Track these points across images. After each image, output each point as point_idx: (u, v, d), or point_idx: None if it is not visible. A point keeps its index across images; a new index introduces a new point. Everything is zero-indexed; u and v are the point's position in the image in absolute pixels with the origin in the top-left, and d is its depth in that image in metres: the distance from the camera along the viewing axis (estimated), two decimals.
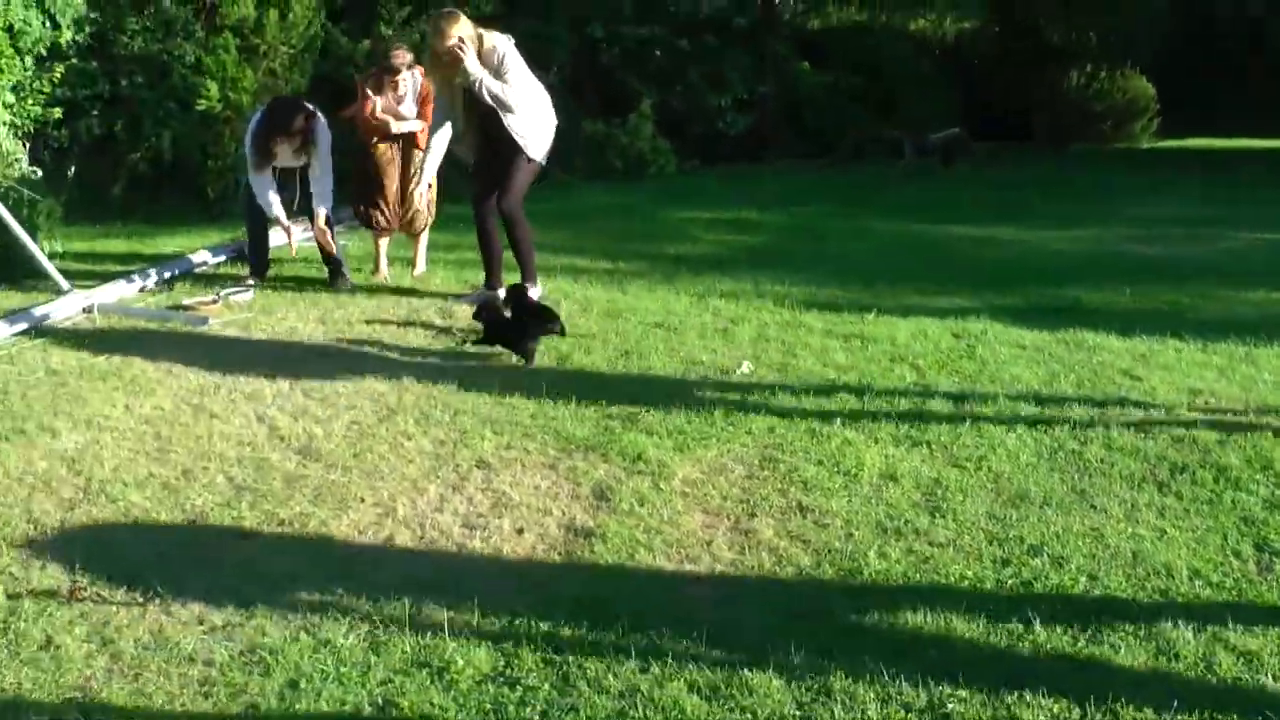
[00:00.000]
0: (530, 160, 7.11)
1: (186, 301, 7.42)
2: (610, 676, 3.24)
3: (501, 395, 5.64)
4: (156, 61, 12.48)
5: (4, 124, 9.91)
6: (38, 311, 6.87)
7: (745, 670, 3.26)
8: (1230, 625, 3.53)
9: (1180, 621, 3.54)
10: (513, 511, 4.36)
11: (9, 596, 3.70)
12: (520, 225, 7.29)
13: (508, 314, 6.42)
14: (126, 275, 7.91)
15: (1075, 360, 6.25)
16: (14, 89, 10.44)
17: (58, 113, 11.11)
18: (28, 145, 10.89)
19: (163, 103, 12.31)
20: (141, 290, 7.77)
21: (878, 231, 10.93)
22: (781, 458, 4.87)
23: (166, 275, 8.14)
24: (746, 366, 6.16)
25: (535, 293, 7.28)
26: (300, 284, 7.90)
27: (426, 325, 6.89)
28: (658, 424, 5.25)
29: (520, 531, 4.20)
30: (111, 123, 12.42)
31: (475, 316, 6.46)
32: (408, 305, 7.36)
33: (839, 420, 5.30)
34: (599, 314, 7.24)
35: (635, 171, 14.63)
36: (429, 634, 3.46)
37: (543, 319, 6.39)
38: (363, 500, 4.44)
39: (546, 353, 6.31)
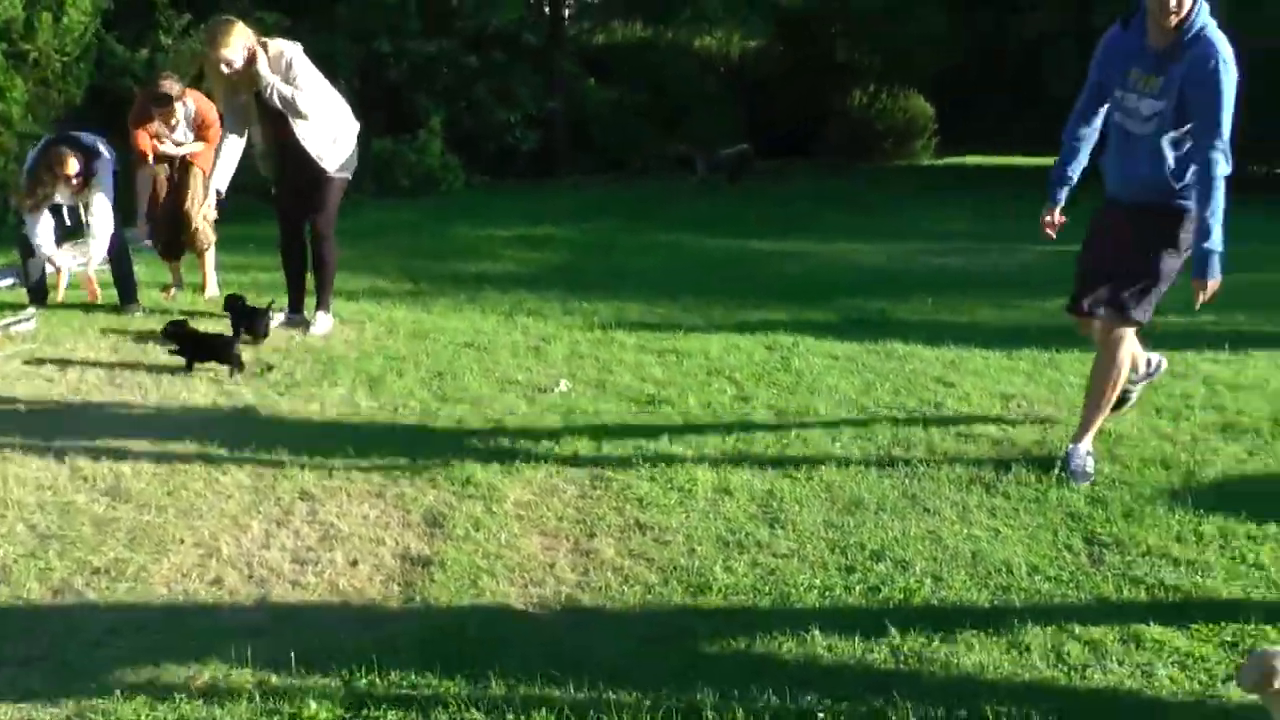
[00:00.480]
0: (334, 175, 6.93)
1: None
2: (472, 711, 3.13)
3: (315, 423, 5.45)
4: None
5: None
6: None
7: (610, 694, 3.20)
8: (1073, 616, 3.65)
9: (1026, 616, 3.65)
10: (344, 543, 4.19)
11: None
12: (330, 246, 7.11)
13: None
14: None
15: (888, 369, 6.42)
16: None
17: None
18: None
19: None
20: None
21: (676, 247, 11.07)
22: (612, 476, 4.83)
23: None
24: (564, 385, 6.12)
25: (327, 320, 7.08)
26: (87, 310, 7.50)
27: None
28: (482, 446, 5.16)
29: (354, 564, 4.04)
30: None
31: (163, 342, 6.34)
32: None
33: (665, 435, 5.30)
34: (406, 335, 7.10)
35: (424, 189, 14.43)
36: (273, 681, 3.28)
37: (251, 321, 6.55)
38: (182, 541, 4.20)
39: (359, 376, 6.14)
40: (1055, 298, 8.34)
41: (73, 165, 7.11)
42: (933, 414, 5.66)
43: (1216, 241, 4.48)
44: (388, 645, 3.45)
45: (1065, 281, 5.29)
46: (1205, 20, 4.47)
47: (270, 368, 6.31)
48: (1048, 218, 5.22)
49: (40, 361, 6.37)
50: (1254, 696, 2.72)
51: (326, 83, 6.93)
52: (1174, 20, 4.44)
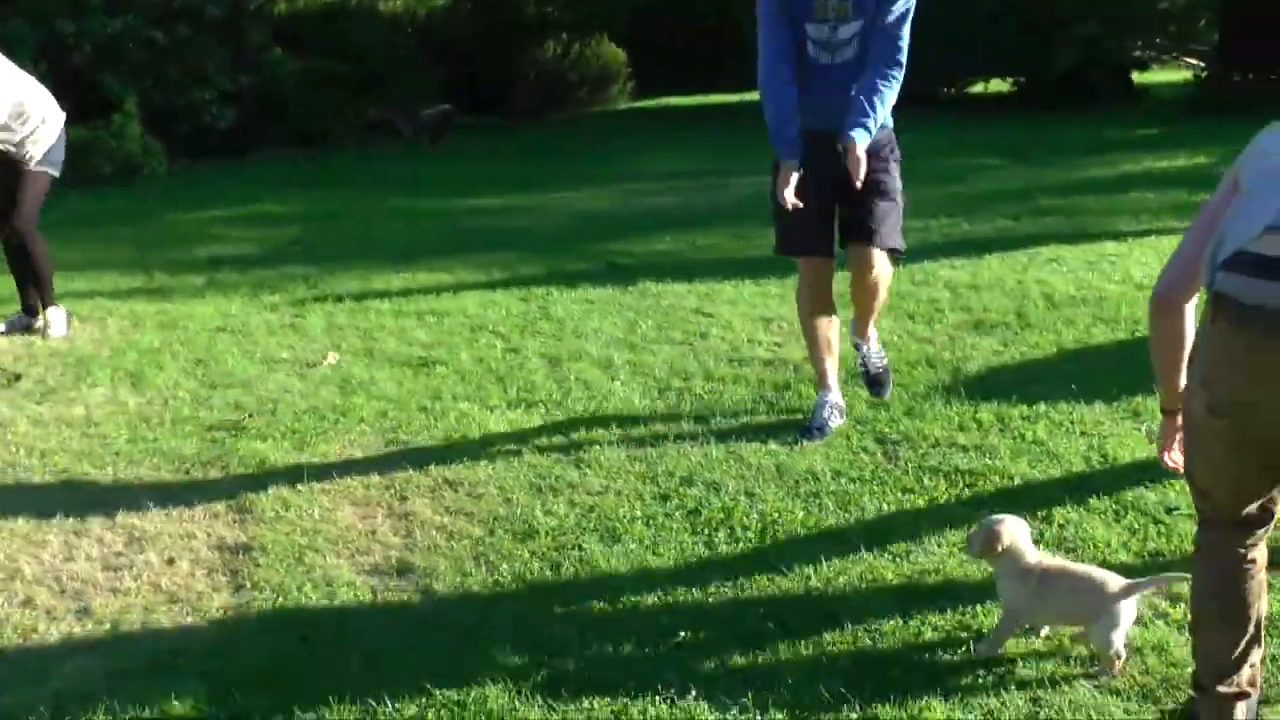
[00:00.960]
0: (33, 169, 6.60)
1: None
2: (341, 703, 3.14)
3: (85, 425, 5.28)
4: None
5: None
6: None
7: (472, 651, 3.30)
8: (884, 508, 3.99)
9: (840, 515, 3.96)
10: (154, 543, 4.11)
11: None
12: (36, 243, 6.78)
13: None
14: None
15: (645, 307, 6.66)
16: None
17: None
18: None
19: None
20: None
21: (402, 211, 10.96)
22: (406, 438, 4.90)
23: None
24: (333, 357, 6.09)
25: (59, 315, 6.80)
26: None
27: None
28: (266, 427, 5.11)
29: (171, 561, 3.98)
30: None
31: None
32: None
33: (447, 394, 5.38)
34: (154, 327, 6.88)
35: (126, 175, 13.76)
36: (128, 688, 3.22)
37: None
38: None
39: (117, 373, 5.95)
40: None
41: None
42: (701, 343, 5.93)
43: (876, 121, 4.38)
44: (230, 645, 3.42)
45: None
46: None
47: (18, 377, 6.02)
48: (787, 191, 4.42)
49: None
50: (985, 561, 3.17)
51: (16, 69, 6.61)
52: None
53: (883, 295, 4.77)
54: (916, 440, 4.60)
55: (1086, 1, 15.72)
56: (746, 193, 10.40)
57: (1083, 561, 3.44)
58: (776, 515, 4.02)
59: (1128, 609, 2.96)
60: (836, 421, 4.77)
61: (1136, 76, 18.64)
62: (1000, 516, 3.13)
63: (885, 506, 4.07)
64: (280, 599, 3.65)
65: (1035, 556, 3.09)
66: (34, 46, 13.59)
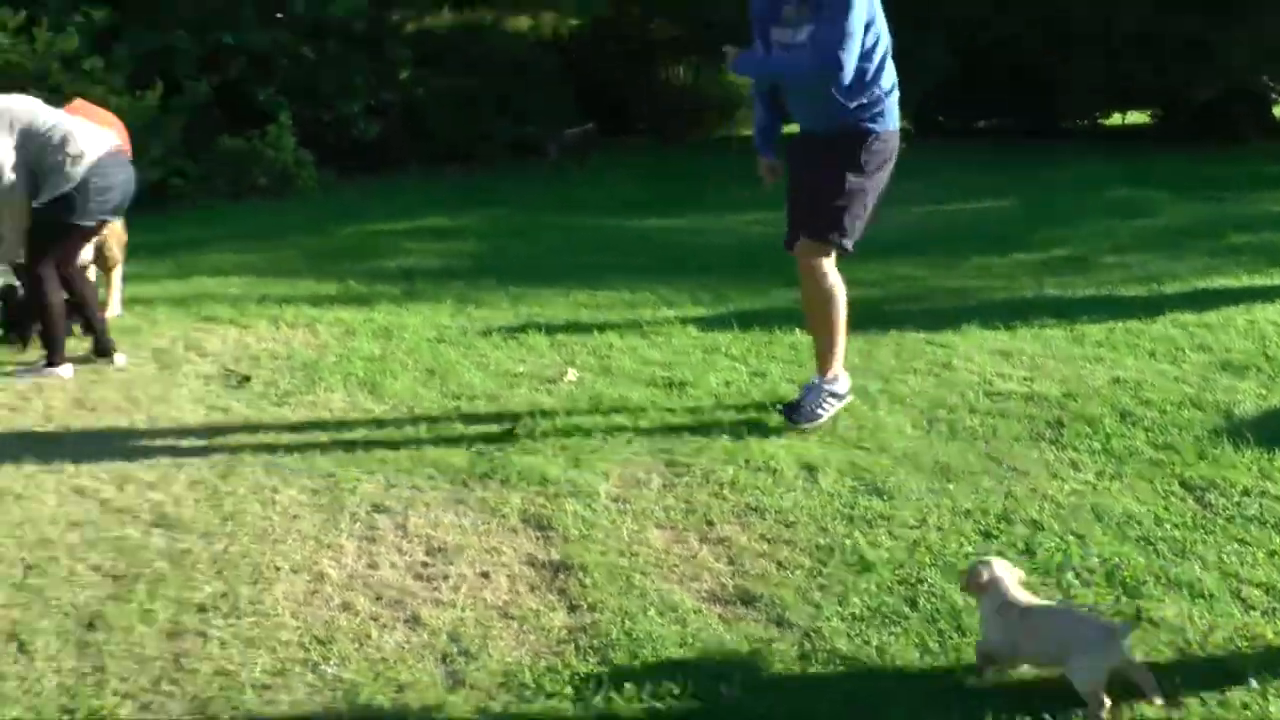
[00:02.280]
0: (54, 217, 5.85)
1: None
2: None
3: (337, 429, 5.11)
4: None
5: None
6: None
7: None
8: (1220, 564, 3.68)
9: (1180, 563, 3.66)
10: (459, 555, 3.90)
11: None
12: (47, 294, 5.98)
13: None
14: None
15: (872, 333, 6.38)
16: None
17: None
18: None
19: None
20: None
21: (573, 228, 10.77)
22: (686, 461, 4.64)
23: None
24: (572, 374, 5.88)
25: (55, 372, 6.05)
26: None
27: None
28: (532, 441, 4.90)
29: (486, 575, 3.76)
30: None
31: None
32: None
33: (709, 416, 5.15)
34: (369, 335, 6.75)
35: (281, 186, 13.78)
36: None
37: None
38: (278, 568, 3.85)
39: (349, 379, 5.79)
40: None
41: None
42: (947, 374, 5.67)
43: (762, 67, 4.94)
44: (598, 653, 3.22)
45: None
46: None
47: (248, 378, 5.89)
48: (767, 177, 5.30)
49: None
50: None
51: (45, 110, 5.99)
52: None
53: (818, 306, 5.01)
54: (1224, 487, 4.27)
55: (1231, 32, 15.18)
56: (911, 219, 10.09)
57: None
58: (1116, 560, 3.72)
59: (1110, 650, 2.86)
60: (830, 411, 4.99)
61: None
62: (988, 558, 3.22)
63: (1225, 558, 3.75)
64: (628, 622, 3.40)
65: (1019, 596, 3.06)
66: (196, 58, 13.69)
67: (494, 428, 5.08)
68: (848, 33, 4.47)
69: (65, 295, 6.06)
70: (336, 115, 15.41)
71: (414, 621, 3.48)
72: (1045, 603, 3.21)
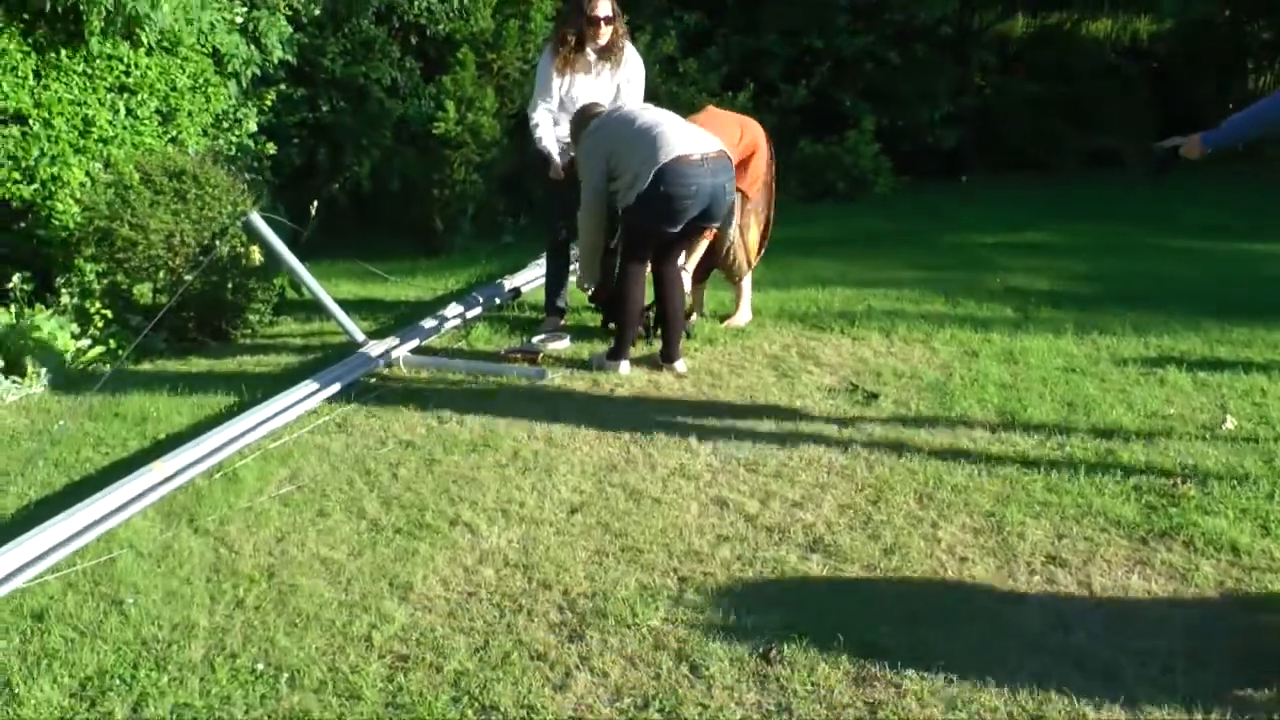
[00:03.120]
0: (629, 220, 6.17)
1: (503, 351, 6.71)
2: None
3: (982, 464, 4.86)
4: (355, 85, 11.91)
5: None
6: (336, 369, 6.13)
7: None
8: None
9: None
10: (1164, 627, 3.55)
11: None
12: (623, 290, 6.32)
13: None
14: (410, 322, 7.19)
15: None
16: (218, 117, 9.81)
17: (271, 147, 10.45)
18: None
19: (365, 130, 11.77)
20: (435, 337, 7.10)
21: (1187, 252, 9.78)
22: None
23: (469, 315, 7.41)
24: (1231, 421, 5.32)
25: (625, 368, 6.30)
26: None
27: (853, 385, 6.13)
28: (1211, 499, 4.42)
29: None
30: (314, 152, 11.87)
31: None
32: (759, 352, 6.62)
33: None
34: (991, 358, 6.43)
35: (856, 191, 13.80)
36: None
37: None
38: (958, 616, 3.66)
39: (1001, 414, 5.53)
40: None
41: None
42: None
43: None
44: None
45: None
46: None
47: (876, 396, 5.78)
48: None
49: (602, 382, 6.06)
50: None
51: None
52: None
53: None
54: None
55: None
56: None
57: None
58: None
59: None
60: None
61: None
62: None
63: None
64: None
65: None
66: (783, 62, 13.97)
67: (1157, 478, 4.65)
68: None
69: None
70: (914, 121, 15.25)
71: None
72: None
